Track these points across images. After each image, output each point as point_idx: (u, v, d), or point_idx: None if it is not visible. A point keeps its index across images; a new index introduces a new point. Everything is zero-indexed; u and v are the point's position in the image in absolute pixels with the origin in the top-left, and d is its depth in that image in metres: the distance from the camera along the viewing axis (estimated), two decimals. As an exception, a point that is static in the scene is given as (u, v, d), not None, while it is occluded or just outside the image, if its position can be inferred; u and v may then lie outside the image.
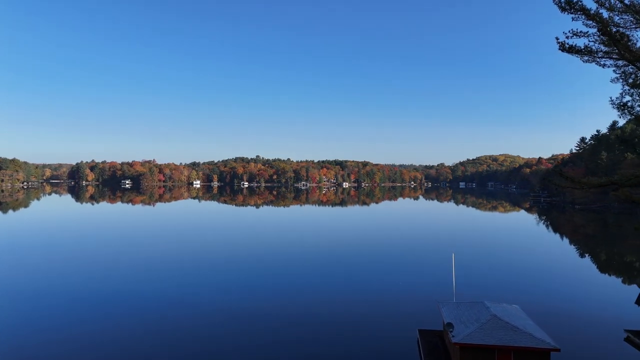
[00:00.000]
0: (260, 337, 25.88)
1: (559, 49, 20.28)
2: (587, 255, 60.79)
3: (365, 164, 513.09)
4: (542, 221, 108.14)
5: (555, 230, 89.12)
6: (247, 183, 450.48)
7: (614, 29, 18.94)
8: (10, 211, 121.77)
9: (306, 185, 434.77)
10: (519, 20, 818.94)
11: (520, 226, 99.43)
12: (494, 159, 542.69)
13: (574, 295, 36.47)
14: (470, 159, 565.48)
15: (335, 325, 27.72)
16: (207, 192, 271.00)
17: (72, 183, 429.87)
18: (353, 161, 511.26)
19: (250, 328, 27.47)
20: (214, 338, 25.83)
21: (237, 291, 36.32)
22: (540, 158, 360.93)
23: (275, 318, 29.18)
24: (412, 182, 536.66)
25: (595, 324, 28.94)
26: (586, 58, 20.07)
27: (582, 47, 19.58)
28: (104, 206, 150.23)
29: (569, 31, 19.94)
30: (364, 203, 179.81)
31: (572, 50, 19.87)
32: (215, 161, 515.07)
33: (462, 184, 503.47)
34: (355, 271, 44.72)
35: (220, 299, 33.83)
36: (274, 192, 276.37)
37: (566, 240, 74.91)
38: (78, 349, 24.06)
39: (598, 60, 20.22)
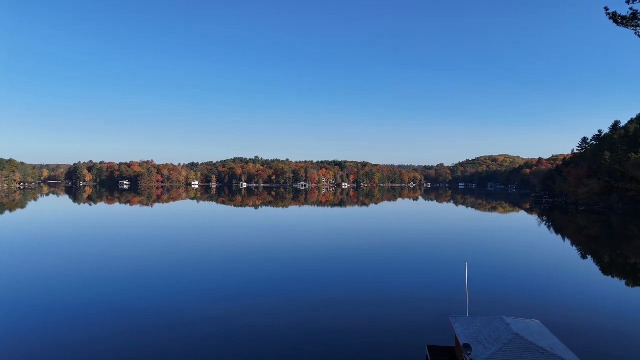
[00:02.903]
0: (258, 348, 23.99)
1: (610, 19, 17.55)
2: (602, 260, 58.51)
3: (364, 164, 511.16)
4: (548, 223, 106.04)
5: (563, 233, 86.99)
6: (245, 184, 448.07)
7: None
8: (7, 212, 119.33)
9: (305, 185, 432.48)
10: (518, 22, 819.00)
11: (526, 228, 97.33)
12: (494, 159, 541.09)
13: (595, 305, 34.02)
14: (470, 159, 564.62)
15: (337, 339, 25.52)
16: (205, 193, 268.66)
17: (70, 184, 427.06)
18: (352, 162, 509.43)
19: (248, 337, 25.57)
20: (208, 343, 24.12)
21: (234, 298, 34.26)
22: (540, 158, 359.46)
23: (273, 328, 27.13)
24: (412, 183, 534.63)
25: (621, 339, 26.67)
26: None
27: None
28: (101, 207, 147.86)
29: (626, -4, 17.10)
30: (364, 204, 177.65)
31: (632, 20, 16.92)
32: (214, 162, 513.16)
33: (461, 185, 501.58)
34: (358, 279, 42.41)
35: (216, 305, 31.82)
36: (273, 193, 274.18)
37: (577, 244, 72.52)
38: (76, 349, 23.69)
39: None
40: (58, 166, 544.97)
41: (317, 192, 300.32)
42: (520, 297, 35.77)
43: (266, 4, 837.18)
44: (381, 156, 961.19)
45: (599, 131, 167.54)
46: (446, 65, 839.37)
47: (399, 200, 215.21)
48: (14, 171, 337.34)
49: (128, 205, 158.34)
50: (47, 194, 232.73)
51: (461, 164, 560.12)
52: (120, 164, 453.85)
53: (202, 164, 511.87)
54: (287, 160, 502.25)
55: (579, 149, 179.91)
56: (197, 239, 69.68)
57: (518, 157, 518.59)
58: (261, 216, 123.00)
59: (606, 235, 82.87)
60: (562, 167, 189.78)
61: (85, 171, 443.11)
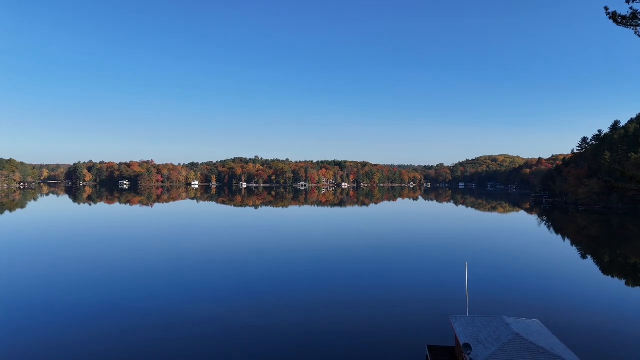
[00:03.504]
0: (257, 347, 23.97)
1: (610, 18, 17.47)
2: (602, 260, 58.49)
3: (364, 164, 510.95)
4: (548, 223, 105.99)
5: (563, 233, 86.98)
6: (245, 184, 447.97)
7: None
8: (7, 212, 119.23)
9: (305, 185, 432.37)
10: (518, 22, 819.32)
11: (526, 228, 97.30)
12: (494, 159, 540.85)
13: (595, 305, 33.99)
14: (470, 159, 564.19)
15: (337, 339, 25.51)
16: (205, 193, 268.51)
17: (70, 184, 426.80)
18: (352, 162, 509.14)
19: (248, 337, 25.54)
20: (208, 343, 23.97)
21: (234, 298, 34.26)
22: (540, 158, 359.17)
23: (273, 328, 27.12)
24: (412, 183, 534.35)
25: (621, 339, 26.62)
26: None
27: None
28: (101, 207, 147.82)
29: (629, -6, 16.96)
30: (364, 204, 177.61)
31: (632, 19, 16.79)
32: (214, 162, 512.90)
33: (461, 185, 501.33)
34: (357, 279, 42.41)
35: (216, 305, 31.80)
36: (273, 193, 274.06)
37: (577, 244, 72.52)
38: (76, 349, 23.73)
39: None
40: (58, 166, 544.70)
41: (317, 192, 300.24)
42: (520, 297, 35.75)
43: (266, 4, 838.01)
44: (381, 156, 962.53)
45: (599, 131, 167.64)
46: (446, 65, 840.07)
47: (399, 200, 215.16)
48: (13, 171, 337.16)
49: (128, 205, 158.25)
50: (47, 194, 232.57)
51: (461, 164, 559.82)
52: (120, 164, 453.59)
53: (202, 163, 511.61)
54: (287, 160, 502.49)
55: (579, 149, 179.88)
56: (197, 239, 69.66)
57: (518, 157, 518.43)
58: (261, 216, 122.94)
59: (606, 235, 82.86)
60: (562, 167, 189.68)
61: (85, 171, 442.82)
